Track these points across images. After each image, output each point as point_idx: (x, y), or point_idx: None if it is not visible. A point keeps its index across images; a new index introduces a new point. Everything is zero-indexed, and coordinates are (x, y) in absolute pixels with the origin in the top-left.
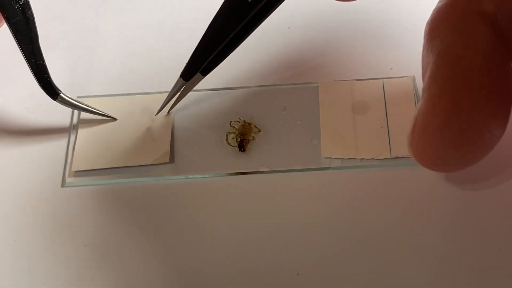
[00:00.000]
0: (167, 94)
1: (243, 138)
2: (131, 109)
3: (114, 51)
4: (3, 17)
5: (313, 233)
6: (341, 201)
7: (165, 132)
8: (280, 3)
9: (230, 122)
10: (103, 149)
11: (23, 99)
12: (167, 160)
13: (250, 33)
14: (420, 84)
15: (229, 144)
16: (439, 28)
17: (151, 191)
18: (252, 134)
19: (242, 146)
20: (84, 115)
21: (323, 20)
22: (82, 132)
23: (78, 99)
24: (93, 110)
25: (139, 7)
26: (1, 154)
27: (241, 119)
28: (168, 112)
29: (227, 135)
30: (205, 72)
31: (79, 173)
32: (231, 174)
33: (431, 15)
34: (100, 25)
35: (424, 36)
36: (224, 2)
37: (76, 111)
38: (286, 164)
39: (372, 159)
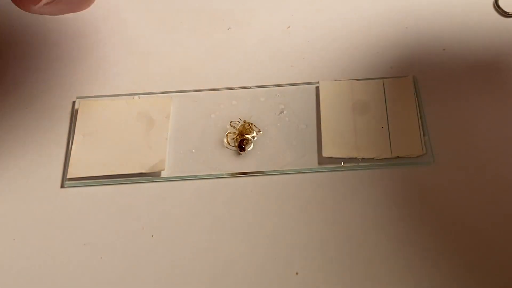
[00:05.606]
0: (166, 94)
1: (243, 138)
2: (128, 113)
3: (114, 51)
4: None
5: (313, 232)
6: (342, 201)
7: (162, 138)
8: None
9: (230, 122)
10: (99, 155)
11: (23, 99)
12: (163, 168)
13: None
14: (420, 83)
15: (229, 144)
16: None
17: (150, 191)
18: (253, 134)
19: (242, 146)
20: (81, 117)
21: (323, 20)
22: (78, 138)
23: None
24: None
25: (139, 7)
26: (1, 154)
27: (241, 119)
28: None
29: (227, 135)
30: None
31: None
32: (231, 175)
33: None
34: (100, 25)
35: None
36: None
37: (75, 111)
38: (286, 164)
39: (373, 158)
